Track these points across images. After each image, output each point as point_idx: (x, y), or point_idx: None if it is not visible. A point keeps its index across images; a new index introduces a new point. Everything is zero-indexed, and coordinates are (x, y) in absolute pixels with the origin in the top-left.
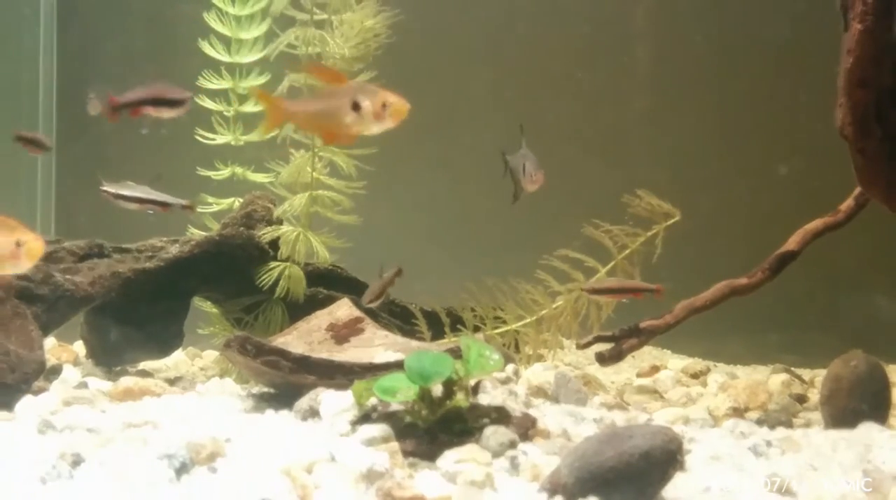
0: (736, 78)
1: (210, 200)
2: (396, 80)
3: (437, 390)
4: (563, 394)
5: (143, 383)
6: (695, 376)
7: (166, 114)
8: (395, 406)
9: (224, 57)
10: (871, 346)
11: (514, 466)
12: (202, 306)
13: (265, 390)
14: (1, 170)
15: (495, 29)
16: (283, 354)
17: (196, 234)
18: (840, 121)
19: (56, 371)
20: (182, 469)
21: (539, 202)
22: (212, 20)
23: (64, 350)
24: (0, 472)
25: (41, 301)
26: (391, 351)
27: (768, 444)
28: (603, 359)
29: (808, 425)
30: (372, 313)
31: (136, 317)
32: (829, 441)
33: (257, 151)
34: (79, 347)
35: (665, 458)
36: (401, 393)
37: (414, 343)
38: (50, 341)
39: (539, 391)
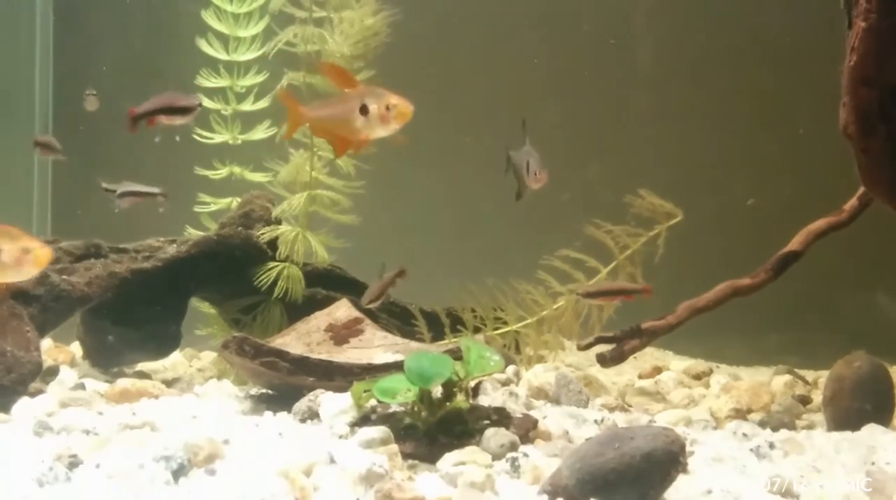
0: (739, 76)
1: (208, 199)
2: (396, 80)
3: (437, 391)
4: (564, 395)
5: (140, 385)
6: (697, 377)
7: (178, 121)
8: (395, 408)
9: (222, 55)
10: (875, 347)
11: (515, 468)
12: (200, 306)
13: (263, 391)
14: None
15: (496, 28)
16: (281, 355)
17: (194, 234)
18: (843, 120)
19: (53, 373)
20: (180, 471)
21: (540, 202)
22: (210, 18)
23: (60, 351)
24: None
25: (37, 302)
26: (391, 352)
27: (771, 446)
28: (604, 360)
29: (811, 426)
30: (371, 314)
31: (133, 318)
32: (832, 443)
33: (255, 151)
34: (75, 348)
35: (667, 459)
36: (400, 395)
37: (414, 344)
38: (46, 343)
39: (540, 393)
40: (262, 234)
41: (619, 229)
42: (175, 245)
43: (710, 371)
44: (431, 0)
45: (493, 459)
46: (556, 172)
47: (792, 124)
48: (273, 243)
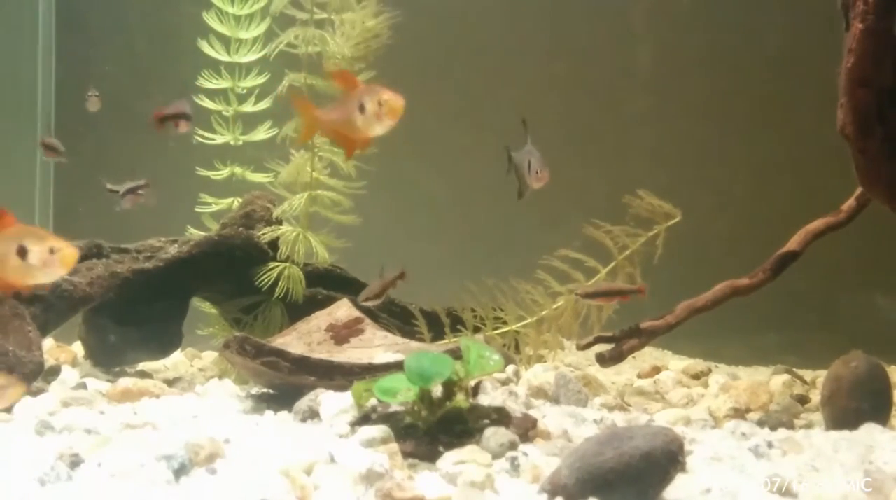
0: (737, 77)
1: (209, 200)
2: (396, 80)
3: (437, 390)
4: (563, 395)
5: (141, 384)
6: (696, 377)
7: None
8: (395, 407)
9: (223, 56)
10: (873, 346)
11: (515, 467)
12: (201, 306)
13: (264, 391)
14: None
15: (496, 28)
16: (282, 354)
17: (195, 234)
18: (841, 121)
19: (54, 372)
20: (181, 470)
21: (540, 202)
22: (211, 20)
23: (62, 351)
24: None
25: (39, 302)
26: (391, 352)
27: (769, 445)
28: (603, 360)
29: (809, 426)
30: (371, 314)
31: (134, 317)
32: (830, 442)
33: (256, 151)
34: (77, 347)
35: (666, 459)
36: (400, 394)
37: (414, 344)
38: (48, 342)
39: (539, 392)
40: (264, 234)
41: (618, 230)
42: (176, 245)
43: (709, 371)
44: (432, 2)
45: (493, 458)
46: (557, 173)
47: (791, 125)
48: (274, 244)
